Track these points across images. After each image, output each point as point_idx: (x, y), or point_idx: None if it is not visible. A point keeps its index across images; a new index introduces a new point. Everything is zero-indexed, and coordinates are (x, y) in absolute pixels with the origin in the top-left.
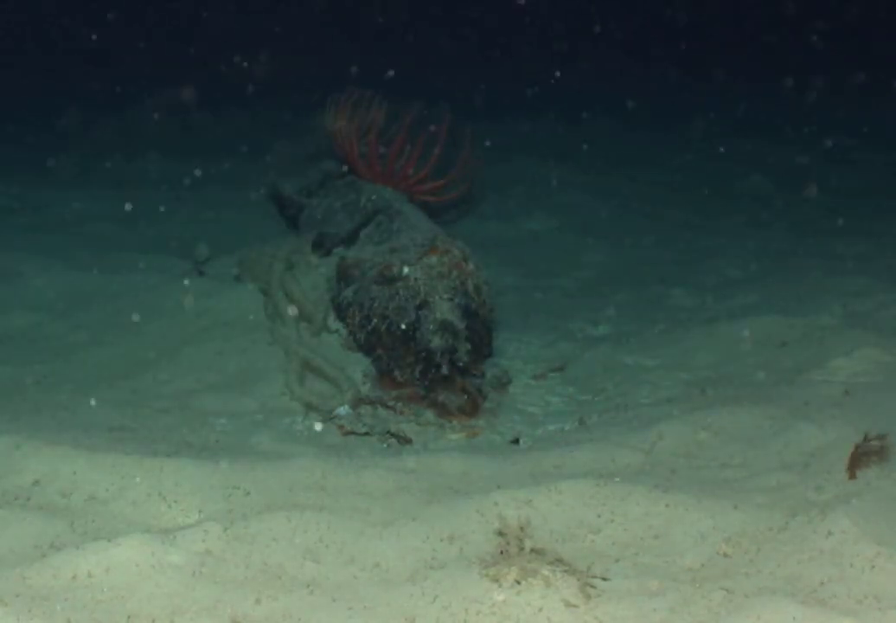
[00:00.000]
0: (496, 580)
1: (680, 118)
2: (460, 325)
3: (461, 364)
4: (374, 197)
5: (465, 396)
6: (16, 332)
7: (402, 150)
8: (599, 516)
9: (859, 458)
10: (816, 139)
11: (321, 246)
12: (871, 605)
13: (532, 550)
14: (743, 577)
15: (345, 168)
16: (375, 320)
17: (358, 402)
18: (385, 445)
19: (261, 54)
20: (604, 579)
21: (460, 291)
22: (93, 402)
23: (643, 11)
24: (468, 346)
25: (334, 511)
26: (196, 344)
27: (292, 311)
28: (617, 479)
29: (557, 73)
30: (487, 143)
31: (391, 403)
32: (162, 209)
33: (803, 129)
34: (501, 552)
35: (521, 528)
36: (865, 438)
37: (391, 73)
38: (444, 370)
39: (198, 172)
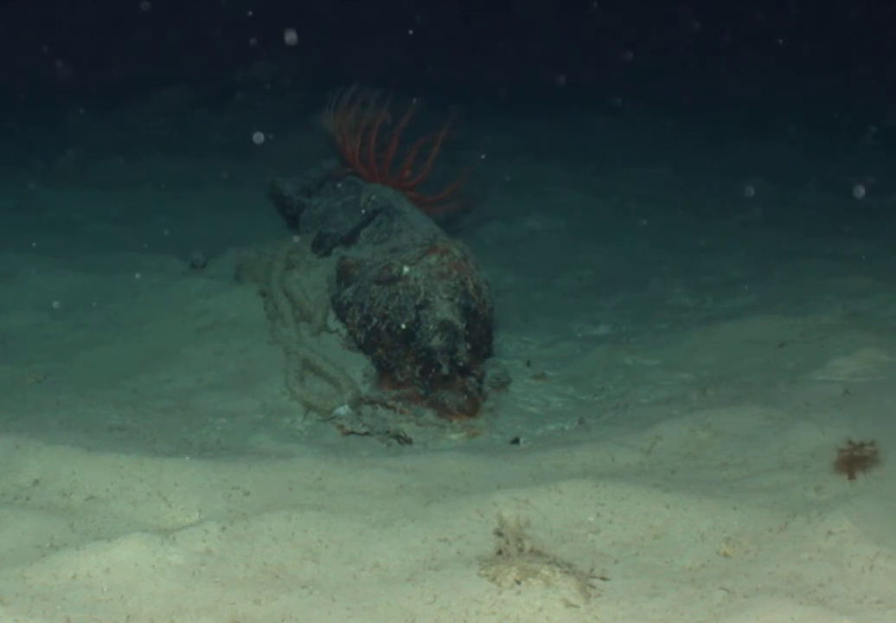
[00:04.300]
0: (496, 580)
1: (680, 118)
2: (460, 324)
3: (461, 364)
4: (373, 197)
5: (465, 396)
6: (16, 332)
7: (400, 153)
8: (599, 516)
9: (853, 463)
10: (818, 138)
11: (321, 246)
12: (871, 605)
13: (531, 550)
14: (743, 577)
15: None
16: (375, 320)
17: (358, 401)
18: (385, 445)
19: (262, 53)
20: (603, 579)
21: (460, 291)
22: (93, 402)
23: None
24: (468, 346)
25: (334, 511)
26: (196, 344)
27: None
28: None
29: (559, 73)
30: (488, 140)
31: (391, 403)
32: (162, 209)
33: (804, 128)
34: (500, 552)
35: (521, 528)
36: (850, 444)
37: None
38: (445, 370)
39: (198, 172)
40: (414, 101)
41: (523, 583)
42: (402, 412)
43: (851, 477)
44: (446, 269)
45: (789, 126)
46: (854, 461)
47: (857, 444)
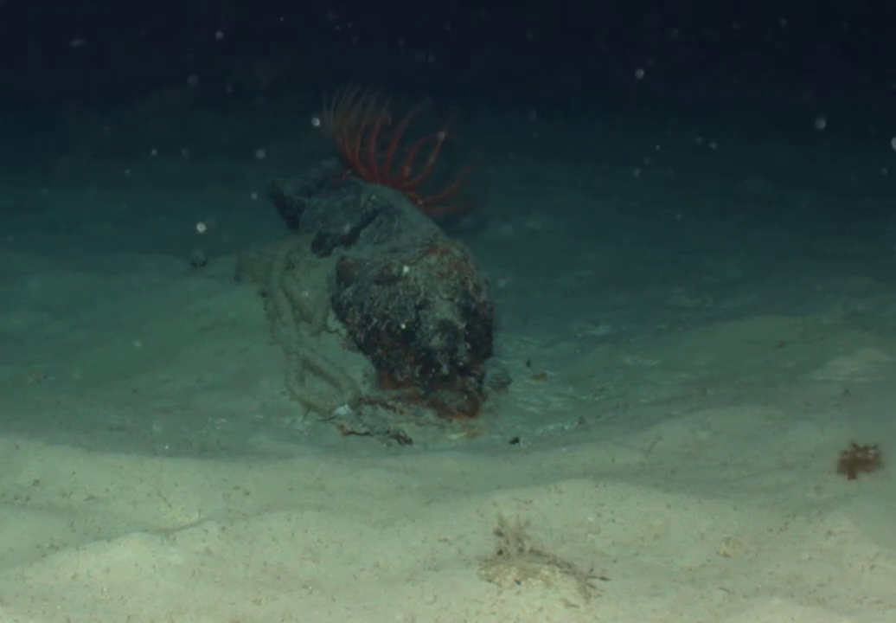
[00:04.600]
0: (496, 580)
1: (679, 118)
2: (460, 324)
3: (461, 364)
4: (373, 197)
5: (465, 396)
6: (16, 332)
7: (401, 153)
8: (599, 516)
9: (855, 465)
10: (817, 138)
11: (321, 246)
12: (871, 605)
13: (531, 550)
14: (743, 577)
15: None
16: (375, 320)
17: (358, 402)
18: (385, 445)
19: (261, 53)
20: (603, 579)
21: (460, 291)
22: (93, 402)
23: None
24: (468, 346)
25: (334, 511)
26: (196, 344)
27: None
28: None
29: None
30: (488, 140)
31: (391, 403)
32: (162, 209)
33: (804, 128)
34: (500, 552)
35: (521, 528)
36: (854, 447)
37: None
38: (444, 370)
39: (197, 172)
40: (416, 103)
41: (523, 583)
42: (402, 412)
43: (852, 477)
44: (446, 269)
45: (790, 126)
46: (856, 464)
47: (861, 447)
